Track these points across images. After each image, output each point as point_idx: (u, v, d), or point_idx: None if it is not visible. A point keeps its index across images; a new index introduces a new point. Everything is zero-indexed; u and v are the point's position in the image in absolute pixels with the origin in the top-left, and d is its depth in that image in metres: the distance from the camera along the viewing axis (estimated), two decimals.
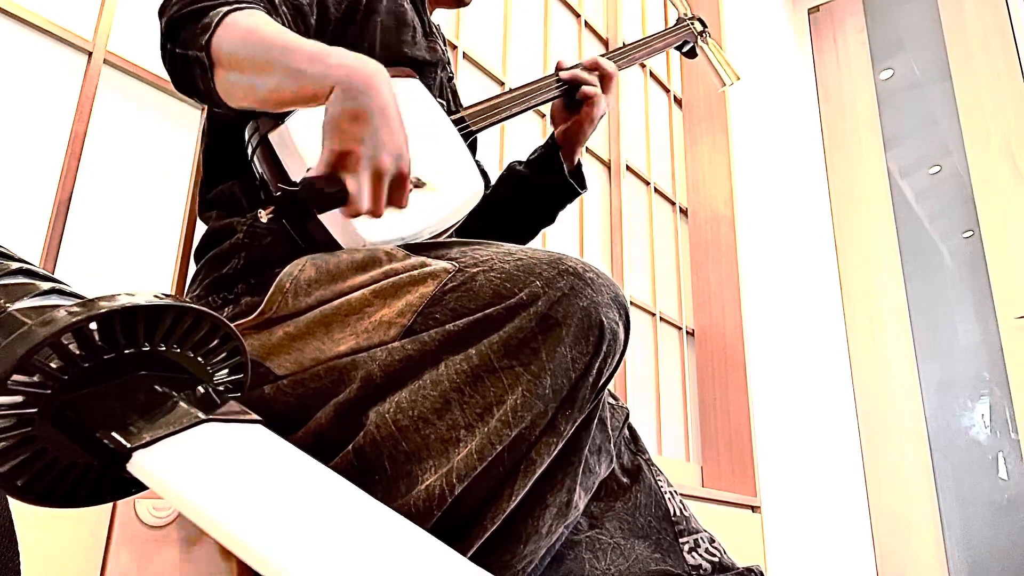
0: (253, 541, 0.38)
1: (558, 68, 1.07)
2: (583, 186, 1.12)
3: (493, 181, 1.16)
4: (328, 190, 0.66)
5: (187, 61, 0.72)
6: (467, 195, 0.88)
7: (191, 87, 0.74)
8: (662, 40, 1.27)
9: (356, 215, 0.67)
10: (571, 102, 1.06)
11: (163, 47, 0.75)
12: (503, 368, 0.61)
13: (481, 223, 1.08)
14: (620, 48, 1.21)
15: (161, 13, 0.76)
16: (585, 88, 1.04)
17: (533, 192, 1.09)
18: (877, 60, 3.35)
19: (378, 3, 0.95)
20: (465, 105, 1.05)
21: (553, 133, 1.09)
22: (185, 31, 0.73)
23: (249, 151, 0.78)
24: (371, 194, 0.67)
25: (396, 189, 0.69)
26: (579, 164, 1.11)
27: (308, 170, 0.71)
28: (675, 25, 1.33)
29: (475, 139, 1.05)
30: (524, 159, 1.12)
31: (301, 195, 0.66)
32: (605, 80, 1.06)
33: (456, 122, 0.95)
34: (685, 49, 1.35)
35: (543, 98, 1.04)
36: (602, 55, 1.16)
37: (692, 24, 1.33)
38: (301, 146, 0.74)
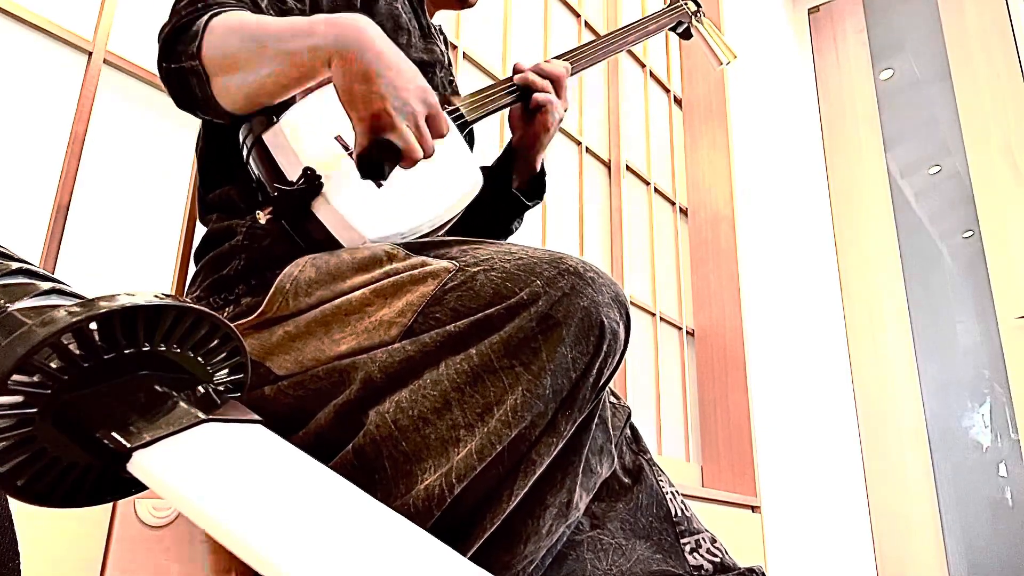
0: (253, 541, 0.38)
1: (515, 70, 1.00)
2: (536, 196, 1.05)
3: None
4: (379, 156, 0.69)
5: (183, 74, 0.73)
6: (466, 188, 0.87)
7: (191, 100, 0.75)
8: (656, 22, 1.26)
9: (414, 164, 0.70)
10: (528, 107, 1.00)
11: (160, 67, 0.76)
12: (503, 368, 0.61)
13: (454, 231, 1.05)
14: (615, 31, 1.20)
15: (158, 37, 0.77)
16: (537, 95, 0.97)
17: (485, 200, 1.03)
18: (877, 60, 3.35)
19: (374, 5, 0.95)
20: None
21: (511, 140, 1.03)
22: (177, 45, 0.74)
23: (244, 153, 0.78)
24: (417, 140, 0.70)
25: (434, 123, 0.72)
26: (542, 171, 1.05)
27: (305, 168, 0.71)
28: (669, 6, 1.31)
29: (472, 132, 1.04)
30: (489, 164, 1.08)
31: (360, 172, 0.70)
32: (555, 84, 0.99)
33: (451, 114, 0.95)
34: (680, 30, 1.33)
35: (499, 104, 0.98)
36: (596, 39, 1.16)
37: (686, 4, 1.32)
38: (295, 144, 0.74)
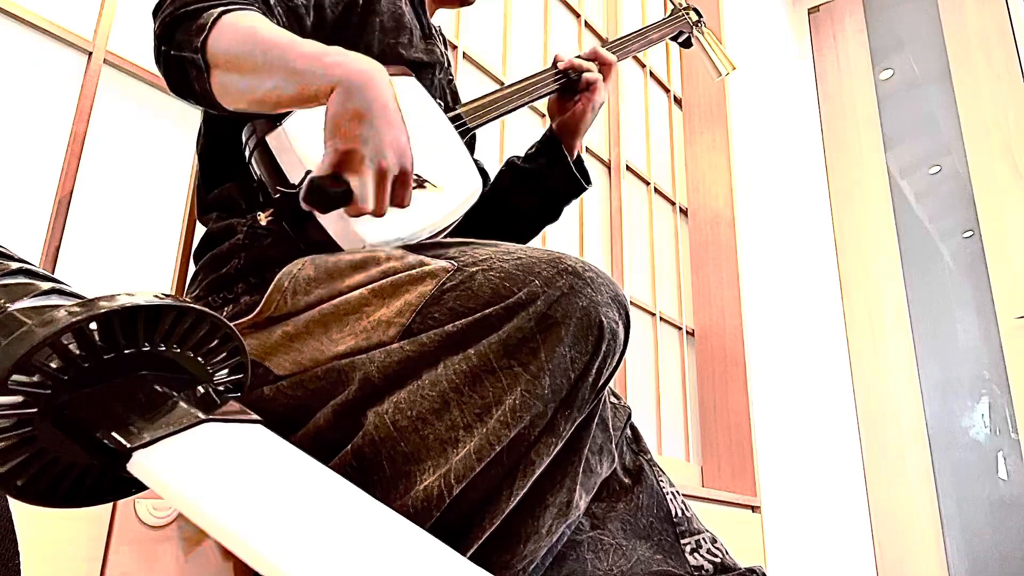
0: (253, 541, 0.38)
1: (556, 61, 1.06)
2: (587, 179, 1.10)
3: (491, 178, 1.15)
4: (332, 190, 0.67)
5: (182, 63, 0.72)
6: (466, 194, 0.87)
7: (186, 89, 0.74)
8: (658, 31, 1.27)
9: (359, 215, 0.68)
10: (569, 93, 1.06)
11: (157, 49, 0.75)
12: (502, 368, 0.61)
13: (480, 222, 1.07)
14: (616, 40, 1.21)
15: (155, 14, 0.75)
16: (586, 75, 1.04)
17: (534, 185, 1.07)
18: (877, 60, 3.35)
19: (376, 4, 0.95)
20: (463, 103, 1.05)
21: (551, 127, 1.08)
22: (179, 32, 0.72)
23: (247, 153, 0.78)
24: (375, 193, 0.68)
25: (399, 188, 0.70)
26: (579, 158, 1.09)
27: (308, 172, 0.71)
28: (670, 15, 1.32)
29: (473, 136, 1.05)
30: (522, 154, 1.11)
31: (304, 195, 0.67)
32: (605, 69, 1.06)
33: (453, 120, 0.95)
34: (681, 39, 1.34)
35: (542, 92, 1.03)
36: (600, 46, 1.16)
37: (687, 14, 1.33)
38: (299, 148, 0.74)
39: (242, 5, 0.75)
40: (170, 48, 0.73)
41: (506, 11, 2.03)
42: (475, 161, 1.12)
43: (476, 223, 1.06)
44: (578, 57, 1.06)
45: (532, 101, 1.03)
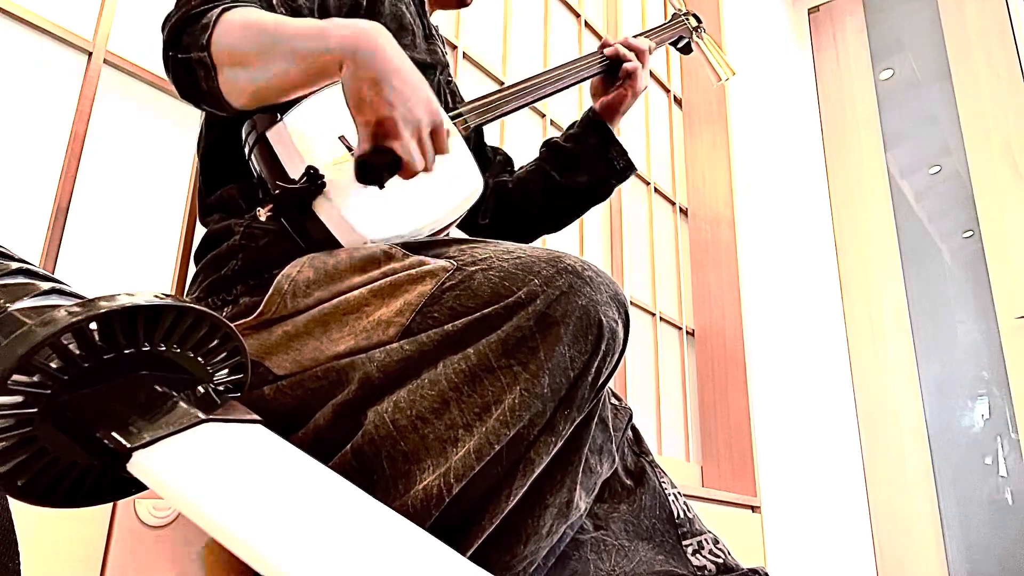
0: (253, 541, 0.38)
1: (603, 45, 1.12)
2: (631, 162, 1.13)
3: (514, 165, 1.17)
4: (380, 162, 0.70)
5: (189, 65, 0.73)
6: (466, 192, 0.87)
7: (195, 91, 0.75)
8: (657, 36, 1.28)
9: (414, 175, 0.71)
10: (613, 78, 1.10)
11: (165, 56, 0.76)
12: (501, 367, 0.61)
13: (517, 208, 1.10)
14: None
15: (163, 27, 0.77)
16: (626, 65, 1.08)
17: (579, 164, 1.09)
18: (877, 60, 3.35)
19: (379, 5, 0.96)
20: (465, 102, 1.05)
21: (592, 107, 1.12)
22: (185, 36, 0.74)
23: (247, 150, 0.78)
24: (419, 151, 0.70)
25: (437, 138, 0.73)
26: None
27: (308, 167, 0.71)
28: (670, 21, 1.33)
29: (481, 131, 1.06)
30: (560, 136, 1.13)
31: (357, 175, 0.70)
32: (639, 57, 1.11)
33: (455, 118, 0.95)
34: (681, 45, 1.35)
35: (587, 74, 1.09)
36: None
37: (687, 20, 1.33)
38: (299, 142, 0.74)
39: (242, 3, 0.75)
40: (178, 52, 0.74)
41: (506, 11, 2.04)
42: (494, 148, 1.16)
43: (511, 212, 1.10)
44: (621, 44, 1.11)
45: (574, 84, 1.08)
